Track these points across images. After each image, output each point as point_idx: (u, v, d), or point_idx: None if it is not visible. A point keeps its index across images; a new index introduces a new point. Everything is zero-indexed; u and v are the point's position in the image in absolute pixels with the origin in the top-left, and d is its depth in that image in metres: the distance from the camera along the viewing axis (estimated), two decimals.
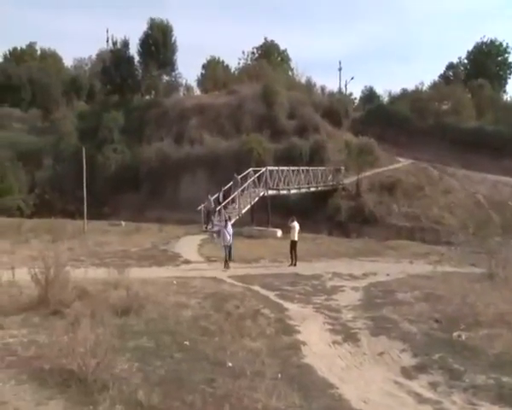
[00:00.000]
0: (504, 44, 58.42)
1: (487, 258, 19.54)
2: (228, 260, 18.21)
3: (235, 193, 26.71)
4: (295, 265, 18.73)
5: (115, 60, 48.72)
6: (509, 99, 56.43)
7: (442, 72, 61.26)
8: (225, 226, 19.16)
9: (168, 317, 10.42)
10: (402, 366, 8.89)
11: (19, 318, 9.61)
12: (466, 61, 60.55)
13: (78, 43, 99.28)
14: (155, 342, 8.87)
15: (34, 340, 8.49)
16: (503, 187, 38.20)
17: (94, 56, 60.19)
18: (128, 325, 9.67)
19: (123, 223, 30.80)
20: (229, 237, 18.59)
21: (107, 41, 51.16)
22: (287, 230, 21.14)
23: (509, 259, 19.00)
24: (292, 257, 19.04)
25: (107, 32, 51.33)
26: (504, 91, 59.06)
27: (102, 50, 54.68)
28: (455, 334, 10.25)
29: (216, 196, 26.57)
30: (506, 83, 59.75)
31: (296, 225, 19.51)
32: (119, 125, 43.87)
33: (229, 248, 18.35)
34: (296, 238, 19.27)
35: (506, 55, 58.87)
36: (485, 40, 58.57)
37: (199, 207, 26.21)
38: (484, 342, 9.65)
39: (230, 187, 27.49)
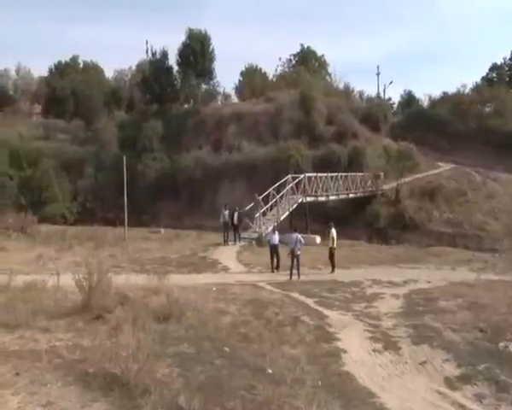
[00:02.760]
0: None
1: None
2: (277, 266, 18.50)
3: (257, 214, 26.19)
4: (332, 272, 18.58)
5: (154, 70, 49.83)
6: None
7: (485, 73, 59.70)
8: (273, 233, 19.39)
9: (208, 323, 10.49)
10: (445, 376, 8.66)
11: (64, 322, 9.86)
12: (510, 61, 58.75)
13: (118, 54, 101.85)
14: (195, 348, 8.95)
15: (79, 344, 8.70)
16: None
17: (134, 67, 61.62)
18: (168, 330, 9.78)
19: (162, 230, 31.27)
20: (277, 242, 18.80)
21: (147, 52, 52.39)
22: (325, 237, 20.98)
23: None
24: (332, 264, 18.91)
25: (147, 43, 52.51)
26: None
27: (142, 61, 55.94)
28: (501, 344, 9.94)
29: (227, 213, 24.94)
30: None
31: (333, 231, 19.31)
32: (159, 134, 44.68)
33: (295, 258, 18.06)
34: (330, 244, 19.09)
35: None
36: None
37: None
38: None
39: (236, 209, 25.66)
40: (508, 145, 43.31)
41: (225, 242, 24.61)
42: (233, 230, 24.87)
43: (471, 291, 15.06)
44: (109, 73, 63.32)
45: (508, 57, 58.79)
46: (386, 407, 7.42)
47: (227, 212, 24.80)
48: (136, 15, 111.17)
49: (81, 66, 61.61)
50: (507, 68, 58.79)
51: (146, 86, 50.72)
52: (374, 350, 9.87)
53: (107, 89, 57.00)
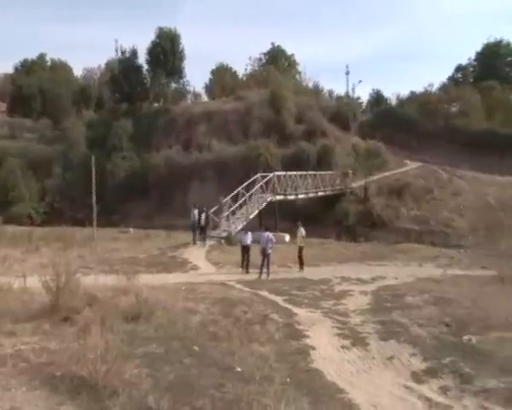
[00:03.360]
0: None
1: (498, 261, 19.47)
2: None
3: (223, 217, 26.11)
4: (301, 270, 18.71)
5: (124, 69, 49.29)
6: None
7: (451, 74, 61.12)
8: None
9: (177, 322, 10.45)
10: (412, 371, 8.83)
11: (30, 325, 9.67)
12: (475, 62, 60.22)
13: (87, 53, 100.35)
14: (164, 347, 8.90)
15: (45, 347, 8.54)
16: None
17: (103, 66, 60.83)
18: (137, 331, 9.71)
19: (132, 230, 30.98)
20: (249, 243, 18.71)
21: (116, 51, 51.75)
22: (294, 235, 21.11)
23: None
24: (300, 262, 19.05)
25: (116, 41, 51.83)
26: None
27: (111, 60, 55.26)
28: (465, 338, 10.19)
29: (197, 212, 24.80)
30: None
31: (301, 230, 19.41)
32: (128, 133, 44.25)
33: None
34: (301, 244, 19.20)
35: None
36: (492, 41, 58.27)
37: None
38: (494, 346, 9.59)
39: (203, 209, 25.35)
40: (473, 144, 44.38)
41: (195, 241, 24.44)
42: (200, 231, 24.51)
43: (437, 287, 15.39)
44: (78, 72, 62.38)
45: (472, 58, 60.30)
46: (355, 402, 7.52)
47: (196, 211, 24.68)
48: (106, 14, 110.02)
49: (49, 64, 60.42)
50: (471, 69, 60.26)
51: (115, 85, 50.14)
52: (342, 347, 9.99)
53: (75, 87, 56.09)
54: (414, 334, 10.62)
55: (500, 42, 58.07)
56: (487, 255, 24.18)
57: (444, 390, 8.02)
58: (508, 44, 58.09)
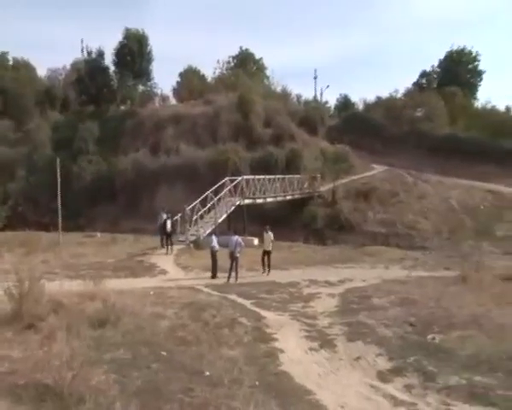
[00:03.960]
0: (474, 52, 59.84)
1: (460, 262, 20.02)
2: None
3: (187, 227, 25.50)
4: (268, 274, 18.75)
5: (90, 70, 48.43)
6: (479, 106, 57.65)
7: (416, 79, 62.38)
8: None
9: (145, 328, 10.39)
10: (378, 370, 9.04)
11: None
12: (438, 69, 61.73)
13: (52, 53, 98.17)
14: (132, 353, 8.85)
15: (8, 355, 8.37)
16: (475, 192, 39.00)
17: (68, 66, 59.53)
18: (104, 336, 9.61)
19: (98, 234, 30.54)
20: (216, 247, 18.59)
21: (82, 51, 50.75)
22: (262, 239, 21.09)
23: (482, 262, 19.47)
24: (264, 266, 19.05)
25: (82, 42, 50.93)
26: (475, 98, 60.35)
27: (77, 60, 54.16)
28: (429, 337, 10.47)
29: (165, 216, 24.34)
30: (477, 90, 61.05)
31: (270, 234, 19.48)
32: (95, 136, 43.53)
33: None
34: (270, 248, 19.23)
35: (476, 62, 60.21)
36: (455, 48, 59.91)
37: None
38: (457, 344, 9.89)
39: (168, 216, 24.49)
40: (438, 148, 45.40)
41: (163, 245, 24.11)
42: (166, 238, 23.87)
43: (403, 288, 15.73)
44: (42, 72, 60.92)
45: (436, 65, 61.81)
46: (322, 403, 7.65)
47: (164, 216, 24.49)
48: (71, 13, 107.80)
49: (11, 63, 58.85)
50: (435, 76, 61.74)
51: (81, 86, 49.19)
52: (310, 349, 10.12)
53: (39, 88, 54.74)
54: (380, 334, 10.84)
55: (463, 50, 59.69)
56: (450, 257, 24.86)
57: (408, 388, 8.24)
58: (470, 53, 59.78)
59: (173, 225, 24.15)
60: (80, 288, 12.46)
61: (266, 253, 19.17)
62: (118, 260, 21.40)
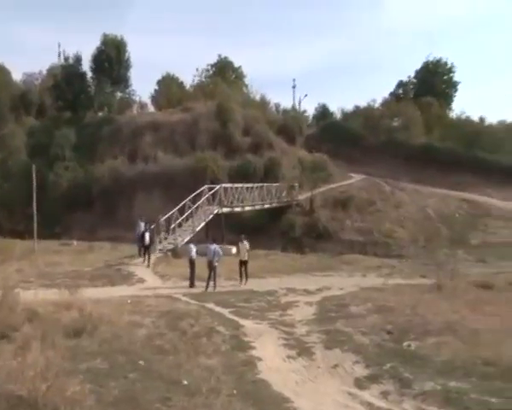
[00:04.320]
0: (449, 64, 61.04)
1: (436, 270, 20.34)
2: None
3: (158, 238, 25.27)
4: (245, 284, 18.63)
5: (67, 75, 47.92)
6: (454, 116, 58.74)
7: (393, 89, 63.25)
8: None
9: (122, 337, 10.30)
10: (355, 378, 9.12)
11: None
12: (415, 79, 62.76)
13: (28, 57, 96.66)
14: (109, 362, 8.77)
15: None
16: (450, 201, 39.76)
17: (44, 71, 58.78)
18: (80, 346, 9.51)
19: (75, 242, 30.20)
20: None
21: (59, 56, 50.43)
22: (238, 249, 20.71)
23: (456, 270, 19.83)
24: (241, 276, 18.86)
25: (59, 46, 50.50)
26: (450, 109, 61.45)
27: (54, 65, 53.61)
28: (405, 344, 10.61)
29: (143, 225, 24.13)
30: (452, 101, 62.09)
31: (246, 244, 19.25)
32: (71, 143, 43.09)
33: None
34: (246, 257, 19.02)
35: (451, 74, 61.42)
36: (431, 59, 61.03)
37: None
38: (432, 351, 10.04)
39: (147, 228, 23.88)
40: (414, 157, 46.07)
41: (140, 254, 23.71)
42: (144, 250, 23.11)
43: (380, 296, 15.89)
44: (17, 76, 59.98)
45: (412, 76, 62.87)
46: None
47: (142, 224, 24.21)
48: (48, 17, 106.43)
49: None
50: (412, 86, 62.77)
51: (58, 92, 48.57)
52: (288, 357, 10.16)
53: (14, 92, 53.90)
54: (357, 342, 10.94)
55: (438, 61, 60.83)
56: (426, 265, 25.23)
57: (384, 395, 8.33)
58: (445, 64, 60.97)
59: (151, 237, 23.43)
60: (56, 297, 12.31)
61: (243, 263, 18.94)
62: (95, 268, 21.21)
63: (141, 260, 23.20)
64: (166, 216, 26.14)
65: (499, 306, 14.14)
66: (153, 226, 24.60)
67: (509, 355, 9.30)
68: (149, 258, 22.61)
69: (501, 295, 16.14)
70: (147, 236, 22.83)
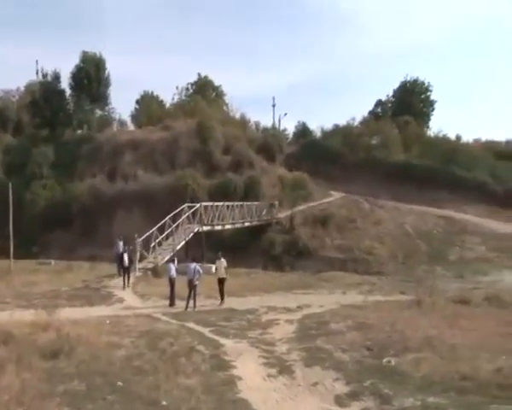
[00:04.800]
0: (426, 83, 62.40)
1: (415, 286, 20.56)
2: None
3: (136, 259, 24.52)
4: (222, 303, 18.23)
5: (45, 92, 47.66)
6: (432, 134, 59.93)
7: (371, 108, 64.27)
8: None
9: (100, 358, 10.19)
10: (335, 395, 9.13)
11: None
12: (393, 98, 63.95)
13: (5, 73, 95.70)
14: (87, 384, 8.66)
15: None
16: (428, 217, 40.36)
17: (22, 88, 58.34)
18: (57, 368, 9.37)
19: (53, 262, 29.78)
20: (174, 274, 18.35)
21: (37, 73, 50.13)
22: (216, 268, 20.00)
23: (435, 286, 20.08)
24: (222, 295, 18.48)
25: (37, 63, 50.23)
26: (428, 127, 62.72)
27: (31, 82, 53.22)
28: (385, 360, 10.68)
29: (121, 244, 23.85)
30: (429, 119, 63.42)
31: (223, 261, 18.87)
32: (49, 161, 42.75)
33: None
34: (224, 275, 18.62)
35: (428, 93, 62.79)
36: (408, 79, 62.33)
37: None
38: (411, 366, 10.12)
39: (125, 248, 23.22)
40: (393, 175, 46.78)
41: (120, 274, 23.06)
42: (123, 271, 22.18)
43: (360, 313, 15.99)
44: None
45: (391, 95, 64.05)
46: None
47: (121, 243, 23.90)
48: (26, 33, 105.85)
49: None
50: (390, 104, 63.92)
51: (36, 109, 48.25)
52: (268, 375, 10.14)
53: None
54: (337, 359, 10.98)
55: (416, 80, 62.15)
56: (406, 281, 25.48)
57: None
58: (422, 83, 62.31)
59: (130, 257, 22.70)
60: (33, 317, 12.13)
61: (221, 281, 18.56)
62: (73, 288, 20.95)
63: (120, 280, 22.44)
64: (146, 235, 25.94)
65: (476, 320, 14.39)
66: (131, 246, 24.25)
67: (485, 369, 9.47)
68: (128, 279, 21.85)
69: (478, 310, 16.47)
70: (125, 257, 22.13)
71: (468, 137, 60.64)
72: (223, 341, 12.54)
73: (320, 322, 14.69)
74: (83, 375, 9.05)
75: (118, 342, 11.55)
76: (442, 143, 54.72)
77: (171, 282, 18.21)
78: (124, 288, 21.35)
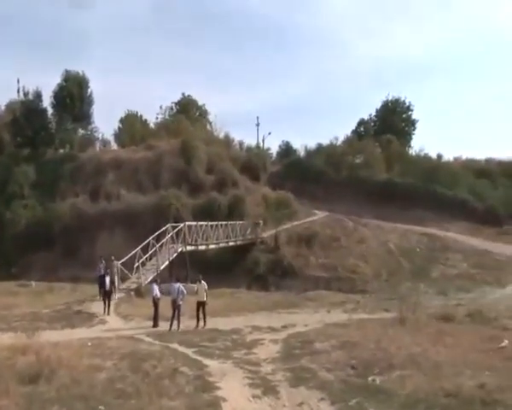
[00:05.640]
0: (407, 102, 63.46)
1: (399, 303, 20.63)
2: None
3: (116, 282, 23.35)
4: (204, 327, 17.62)
5: (27, 111, 47.46)
6: (414, 153, 60.92)
7: (354, 127, 64.98)
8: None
9: (81, 381, 10.01)
10: None
11: None
12: (375, 117, 64.84)
13: None
14: (67, 409, 8.50)
15: None
16: (411, 235, 40.74)
17: (3, 107, 57.87)
18: (37, 392, 9.19)
19: (33, 283, 29.34)
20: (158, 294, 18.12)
21: (18, 91, 49.79)
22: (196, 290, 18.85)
23: (418, 303, 20.17)
24: (198, 319, 17.78)
25: (18, 81, 49.91)
26: (410, 146, 63.64)
27: (13, 101, 52.81)
28: (370, 378, 10.66)
29: (103, 266, 22.91)
30: (411, 138, 64.45)
31: (204, 284, 18.18)
32: (30, 180, 42.46)
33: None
34: (204, 298, 17.90)
35: (410, 112, 63.83)
36: (390, 98, 63.34)
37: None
38: (396, 384, 10.11)
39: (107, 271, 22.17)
40: (376, 193, 47.30)
41: (101, 296, 21.76)
42: (104, 294, 20.79)
43: (344, 331, 15.97)
44: None
45: (373, 114, 64.96)
46: None
47: (102, 265, 23.07)
48: (7, 51, 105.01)
49: None
50: (372, 124, 64.77)
51: (16, 128, 47.89)
52: (253, 396, 10.04)
53: None
54: (322, 379, 10.92)
55: (397, 100, 63.18)
56: (390, 299, 25.56)
57: None
58: (403, 102, 63.35)
59: (112, 280, 21.72)
60: (11, 341, 11.91)
61: (201, 304, 17.90)
62: (54, 310, 20.61)
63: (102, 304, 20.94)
64: (129, 256, 25.64)
65: (459, 337, 14.47)
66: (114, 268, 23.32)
67: (468, 386, 9.51)
68: (109, 306, 20.26)
69: (461, 327, 16.55)
70: (107, 280, 20.92)
71: (448, 156, 61.86)
72: (207, 361, 12.41)
73: (305, 341, 14.62)
74: (63, 400, 8.89)
75: (100, 365, 11.37)
76: (423, 161, 55.69)
77: (155, 302, 18.04)
78: (104, 313, 19.93)
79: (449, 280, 32.18)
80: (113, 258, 24.04)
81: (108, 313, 19.98)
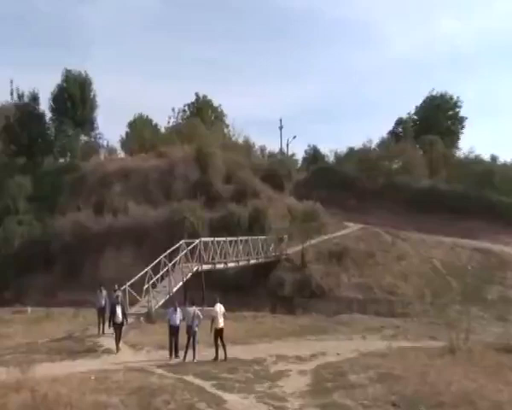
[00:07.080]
0: (455, 98, 62.54)
1: (447, 330, 20.26)
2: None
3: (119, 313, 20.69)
4: (225, 358, 16.93)
5: (21, 116, 48.24)
6: (462, 155, 59.63)
7: (391, 128, 64.51)
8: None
9: None
10: None
11: None
12: (415, 116, 64.24)
13: None
14: None
15: None
16: (460, 250, 40.01)
17: None
18: None
19: (29, 309, 29.68)
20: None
21: (12, 94, 50.56)
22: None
23: (471, 330, 19.76)
24: (217, 348, 17.16)
25: (12, 83, 50.75)
26: (457, 147, 62.71)
27: (5, 104, 53.79)
28: None
29: (104, 294, 22.19)
30: (458, 138, 63.55)
31: (221, 306, 17.52)
32: (26, 193, 43.19)
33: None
34: (222, 324, 17.23)
35: (457, 109, 62.89)
36: (434, 94, 62.61)
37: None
38: None
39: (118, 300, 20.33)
40: (418, 202, 46.80)
41: (103, 331, 21.31)
42: (114, 329, 19.13)
43: (383, 362, 15.77)
44: None
45: (412, 112, 64.41)
46: None
47: (103, 294, 22.20)
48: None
49: None
50: (412, 124, 64.16)
51: (10, 135, 48.71)
52: None
53: None
54: None
55: (443, 95, 62.34)
56: (435, 324, 25.17)
57: None
58: (450, 98, 62.45)
59: (124, 311, 19.69)
60: (3, 377, 12.00)
61: (219, 331, 17.16)
62: (52, 339, 20.77)
63: (106, 336, 20.46)
64: (138, 276, 25.69)
65: None
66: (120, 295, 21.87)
67: None
68: (119, 340, 18.94)
69: None
70: (118, 310, 19.12)
71: (505, 158, 60.27)
72: (226, 396, 12.34)
73: (337, 373, 14.49)
74: None
75: (104, 402, 11.36)
76: (474, 164, 54.58)
77: (174, 331, 17.66)
78: (117, 351, 18.61)
79: (509, 303, 31.54)
80: (116, 287, 22.57)
81: (120, 348, 18.85)
